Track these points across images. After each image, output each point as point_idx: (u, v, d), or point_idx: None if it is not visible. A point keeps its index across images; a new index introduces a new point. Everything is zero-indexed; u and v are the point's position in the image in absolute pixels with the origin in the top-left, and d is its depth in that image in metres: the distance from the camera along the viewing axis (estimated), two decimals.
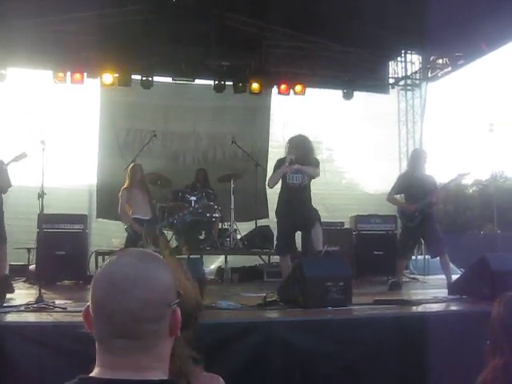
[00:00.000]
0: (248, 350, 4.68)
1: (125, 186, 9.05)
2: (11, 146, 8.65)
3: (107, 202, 11.72)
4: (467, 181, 34.09)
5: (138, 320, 1.42)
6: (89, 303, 1.49)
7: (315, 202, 8.24)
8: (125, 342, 1.43)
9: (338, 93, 12.91)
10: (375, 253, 10.49)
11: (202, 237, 10.48)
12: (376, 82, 13.48)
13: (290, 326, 5.00)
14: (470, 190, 36.21)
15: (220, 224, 11.08)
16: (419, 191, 8.40)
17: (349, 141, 13.87)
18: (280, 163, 8.02)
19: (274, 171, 8.06)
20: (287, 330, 4.92)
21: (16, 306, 5.82)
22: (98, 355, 1.48)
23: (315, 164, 8.07)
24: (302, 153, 7.88)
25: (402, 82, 13.94)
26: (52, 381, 4.34)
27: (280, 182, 8.02)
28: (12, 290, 7.18)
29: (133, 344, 1.43)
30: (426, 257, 12.22)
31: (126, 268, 1.47)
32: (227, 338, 4.68)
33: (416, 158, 8.89)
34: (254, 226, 11.28)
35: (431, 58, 13.43)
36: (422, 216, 8.37)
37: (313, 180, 8.05)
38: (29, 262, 9.92)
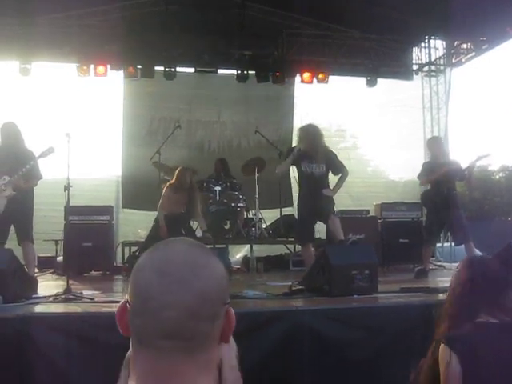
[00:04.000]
0: (274, 339, 4.70)
1: (173, 184, 9.08)
2: (37, 140, 8.72)
3: (133, 192, 11.85)
4: (494, 167, 33.70)
5: (194, 316, 1.19)
6: (124, 300, 1.27)
7: (340, 190, 8.17)
8: (175, 343, 1.19)
9: (362, 80, 12.85)
10: (401, 240, 10.41)
11: (227, 226, 10.51)
12: (399, 68, 13.38)
13: (315, 315, 5.01)
14: (497, 176, 35.80)
15: (245, 213, 11.09)
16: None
17: (373, 128, 13.81)
18: (289, 152, 8.07)
19: (284, 159, 8.13)
20: (313, 319, 4.93)
21: (44, 297, 5.89)
22: (136, 363, 1.24)
23: (331, 158, 7.98)
24: (311, 143, 7.79)
25: (425, 68, 13.81)
26: (79, 370, 4.41)
27: (297, 172, 8.12)
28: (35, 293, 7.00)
29: (184, 347, 1.19)
30: (453, 244, 12.15)
31: (180, 255, 1.25)
32: (253, 327, 4.70)
33: (432, 147, 8.86)
34: (278, 215, 11.28)
35: (455, 43, 13.27)
36: (446, 194, 8.31)
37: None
38: (56, 253, 10.02)
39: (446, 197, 8.29)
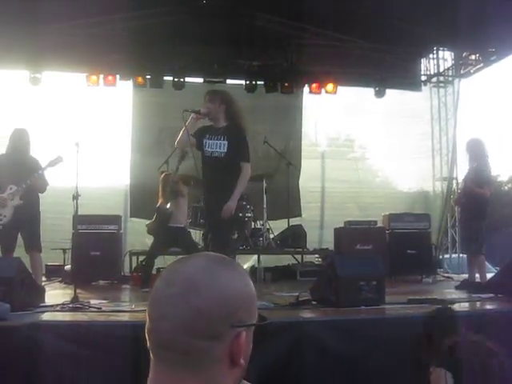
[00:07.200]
0: (281, 350, 4.69)
1: (160, 195, 9.11)
2: (47, 149, 8.76)
3: (141, 201, 11.85)
4: (503, 178, 33.69)
5: (188, 332, 1.18)
6: None
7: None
8: (172, 355, 1.19)
9: (370, 91, 12.85)
10: (408, 251, 10.40)
11: (234, 236, 10.50)
12: (408, 79, 13.37)
13: (322, 326, 5.00)
14: (506, 187, 35.69)
15: (253, 223, 11.07)
16: None
17: (382, 139, 13.80)
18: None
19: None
20: (320, 330, 4.93)
21: (52, 305, 5.90)
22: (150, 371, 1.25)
23: (239, 139, 6.35)
24: (227, 108, 6.56)
25: (434, 79, 13.82)
26: (86, 379, 4.41)
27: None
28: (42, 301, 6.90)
29: (182, 360, 1.19)
30: (461, 255, 12.12)
31: (190, 268, 1.25)
32: (260, 338, 4.69)
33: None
34: (286, 226, 11.26)
35: (463, 54, 13.28)
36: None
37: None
38: (64, 262, 10.04)
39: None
